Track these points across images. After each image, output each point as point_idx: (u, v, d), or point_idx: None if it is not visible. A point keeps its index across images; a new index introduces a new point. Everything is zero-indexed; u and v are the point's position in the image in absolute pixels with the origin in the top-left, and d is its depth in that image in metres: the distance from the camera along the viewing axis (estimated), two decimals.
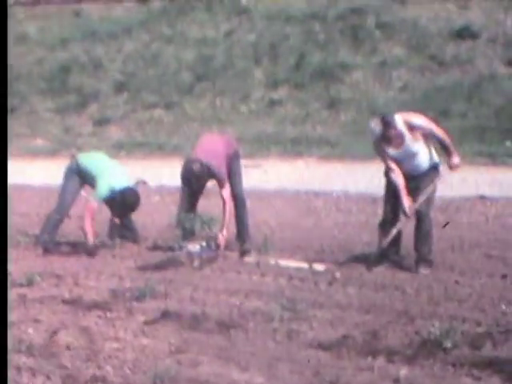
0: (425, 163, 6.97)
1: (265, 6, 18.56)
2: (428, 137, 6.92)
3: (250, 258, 7.58)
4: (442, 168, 7.07)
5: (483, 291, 6.29)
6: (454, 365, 4.87)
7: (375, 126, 6.78)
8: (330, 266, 7.12)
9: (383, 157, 6.95)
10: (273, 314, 5.81)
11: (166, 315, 5.93)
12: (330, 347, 5.22)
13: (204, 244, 7.42)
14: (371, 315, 5.82)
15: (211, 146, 7.78)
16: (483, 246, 7.75)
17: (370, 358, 5.02)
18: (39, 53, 19.57)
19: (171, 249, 7.60)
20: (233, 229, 7.91)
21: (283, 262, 7.36)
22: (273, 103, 15.91)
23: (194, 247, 7.40)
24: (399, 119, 6.79)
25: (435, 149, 7.07)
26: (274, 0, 18.68)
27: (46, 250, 8.14)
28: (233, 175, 7.84)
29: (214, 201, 7.98)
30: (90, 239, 7.92)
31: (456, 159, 6.99)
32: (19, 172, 10.54)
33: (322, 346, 5.26)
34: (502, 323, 5.52)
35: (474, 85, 14.59)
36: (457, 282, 6.57)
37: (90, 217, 7.89)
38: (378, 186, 7.46)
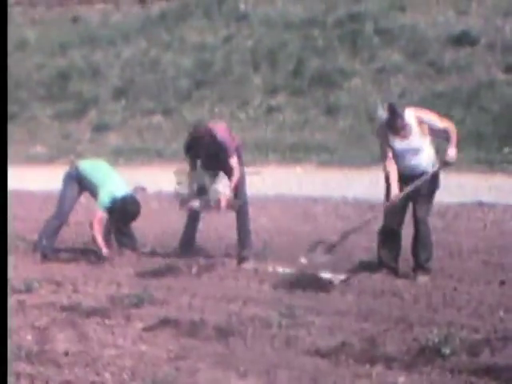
0: (424, 164, 6.91)
1: (263, 12, 18.58)
2: (435, 133, 6.92)
3: (248, 265, 7.59)
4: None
5: (481, 298, 6.29)
6: (452, 371, 4.88)
7: (383, 111, 6.85)
8: (330, 274, 7.12)
9: (383, 143, 6.97)
10: (271, 320, 5.82)
11: (164, 322, 5.93)
12: (329, 354, 5.23)
13: (206, 199, 7.41)
14: (369, 322, 5.83)
15: (221, 126, 7.87)
16: (481, 252, 7.76)
17: (368, 365, 5.03)
18: (38, 59, 19.59)
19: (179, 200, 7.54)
20: (234, 235, 7.91)
21: (281, 269, 7.37)
22: (271, 110, 15.90)
23: (195, 202, 7.41)
24: (410, 113, 6.85)
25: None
26: (272, 6, 18.72)
27: (45, 257, 8.14)
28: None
29: None
30: (104, 250, 7.90)
31: (452, 151, 6.84)
32: (18, 178, 10.52)
33: (321, 353, 5.26)
34: (500, 330, 5.52)
35: (473, 91, 14.57)
36: (455, 289, 6.57)
37: (99, 227, 7.89)
38: (377, 192, 7.47)
